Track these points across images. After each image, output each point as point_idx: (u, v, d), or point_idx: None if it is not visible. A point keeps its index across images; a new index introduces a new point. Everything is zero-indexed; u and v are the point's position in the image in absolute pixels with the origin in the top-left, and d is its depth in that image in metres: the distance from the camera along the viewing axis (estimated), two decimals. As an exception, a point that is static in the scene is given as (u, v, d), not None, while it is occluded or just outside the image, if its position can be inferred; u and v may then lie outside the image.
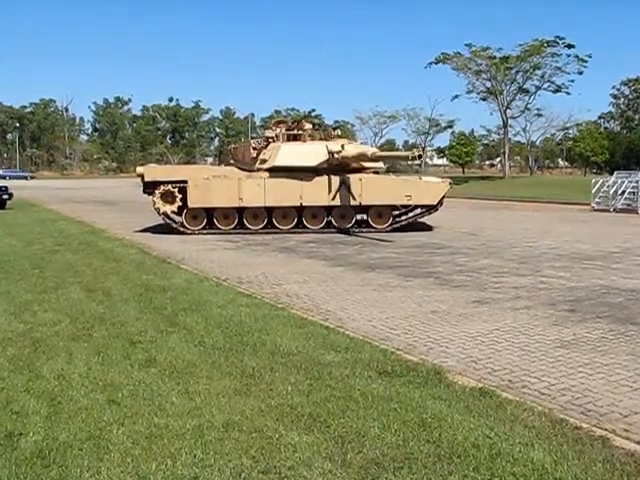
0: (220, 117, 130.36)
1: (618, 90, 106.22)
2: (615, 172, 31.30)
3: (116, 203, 34.28)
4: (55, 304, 8.73)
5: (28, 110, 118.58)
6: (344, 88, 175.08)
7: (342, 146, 18.82)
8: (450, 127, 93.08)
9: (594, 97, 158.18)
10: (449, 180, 20.77)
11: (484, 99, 68.83)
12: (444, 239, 17.24)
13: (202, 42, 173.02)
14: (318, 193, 18.83)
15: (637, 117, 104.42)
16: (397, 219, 19.77)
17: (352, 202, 18.96)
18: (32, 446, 4.39)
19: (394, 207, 19.67)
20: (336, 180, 18.83)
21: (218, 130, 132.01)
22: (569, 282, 10.69)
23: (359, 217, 19.61)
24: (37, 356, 6.39)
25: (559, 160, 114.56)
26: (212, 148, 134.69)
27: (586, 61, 62.96)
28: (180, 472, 4.04)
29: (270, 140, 20.27)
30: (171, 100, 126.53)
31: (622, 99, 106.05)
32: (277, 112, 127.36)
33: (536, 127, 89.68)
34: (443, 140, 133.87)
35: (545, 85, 66.71)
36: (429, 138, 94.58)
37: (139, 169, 20.46)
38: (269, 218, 19.20)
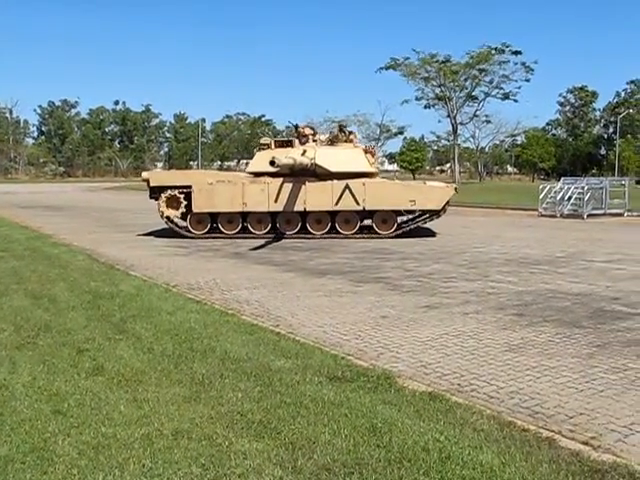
0: (170, 122, 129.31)
1: (564, 98, 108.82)
2: (562, 178, 31.93)
3: (63, 208, 33.72)
4: (-1, 312, 8.53)
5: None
6: (295, 93, 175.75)
7: (303, 152, 18.81)
8: (401, 133, 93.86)
9: (541, 104, 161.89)
10: (454, 185, 20.75)
11: (433, 105, 69.65)
12: (394, 244, 17.37)
13: (152, 45, 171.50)
14: (322, 198, 18.74)
15: (582, 124, 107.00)
16: (402, 224, 19.54)
17: (355, 207, 18.81)
18: (-28, 460, 4.26)
19: (399, 213, 19.41)
20: (340, 185, 18.71)
21: (168, 135, 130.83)
22: (517, 287, 10.86)
23: (364, 222, 19.42)
24: (-21, 366, 6.23)
25: (508, 166, 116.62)
26: (162, 153, 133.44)
27: (533, 69, 64.24)
28: (128, 482, 3.98)
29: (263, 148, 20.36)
30: (117, 103, 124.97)
31: (568, 107, 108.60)
32: (228, 117, 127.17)
33: (485, 133, 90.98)
34: (394, 146, 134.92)
35: (493, 92, 67.86)
36: (380, 144, 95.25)
37: (145, 174, 20.50)
38: (273, 223, 19.15)
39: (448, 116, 69.27)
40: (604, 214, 27.52)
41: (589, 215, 26.89)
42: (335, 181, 18.74)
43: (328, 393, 5.44)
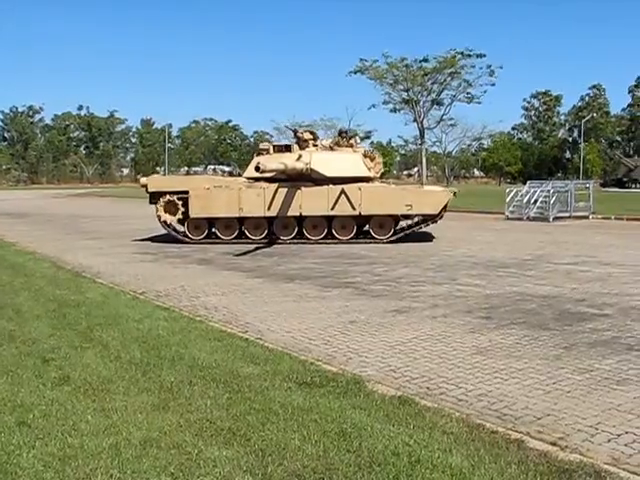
0: (136, 127, 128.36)
1: (529, 103, 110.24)
2: (528, 182, 32.26)
3: (27, 215, 33.28)
4: (-39, 322, 8.38)
5: None
6: (262, 98, 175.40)
7: (299, 157, 18.81)
8: (368, 137, 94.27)
9: (507, 109, 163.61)
10: (453, 189, 20.65)
11: (400, 110, 70.10)
12: (363, 249, 17.41)
13: (117, 51, 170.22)
14: (318, 203, 18.65)
15: (548, 128, 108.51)
16: (399, 229, 19.42)
17: (351, 212, 18.70)
18: None
19: (396, 217, 19.22)
20: (336, 190, 18.63)
21: (134, 140, 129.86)
22: (485, 290, 10.95)
23: (361, 228, 19.28)
24: (-59, 377, 6.10)
25: (474, 170, 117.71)
26: (128, 159, 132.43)
27: (497, 73, 64.98)
28: (95, 493, 3.93)
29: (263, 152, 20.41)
30: (81, 109, 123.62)
31: (533, 111, 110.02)
32: (195, 122, 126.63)
33: (452, 138, 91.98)
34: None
35: (460, 96, 68.51)
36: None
37: (143, 180, 20.47)
38: (270, 229, 19.09)
39: (415, 120, 69.76)
40: (569, 217, 27.85)
41: (555, 218, 27.18)
42: (331, 186, 18.67)
43: (297, 399, 5.43)
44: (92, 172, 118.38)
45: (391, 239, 18.92)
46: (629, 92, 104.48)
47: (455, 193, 20.06)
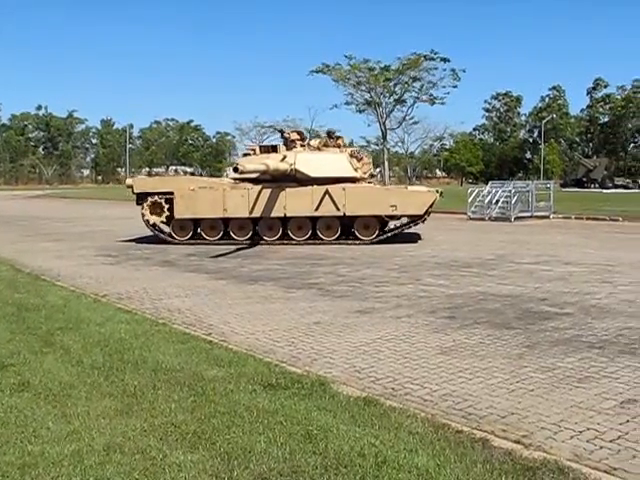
0: (96, 127, 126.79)
1: (489, 104, 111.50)
2: (490, 182, 32.57)
3: (-16, 218, 32.69)
4: None
5: None
6: (224, 99, 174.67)
7: (283, 157, 18.74)
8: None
9: (468, 109, 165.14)
10: (438, 189, 20.55)
11: (363, 110, 70.39)
12: (327, 250, 17.41)
13: (76, 50, 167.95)
14: (302, 204, 18.53)
15: (508, 129, 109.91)
16: (388, 230, 19.27)
17: (336, 213, 18.57)
18: None
19: (381, 218, 18.98)
20: (320, 191, 18.50)
21: (94, 141, 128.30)
22: (448, 290, 11.02)
23: (346, 228, 19.07)
24: None
25: (437, 170, 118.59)
26: (88, 160, 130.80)
27: (460, 76, 65.63)
28: (57, 501, 3.86)
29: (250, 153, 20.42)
30: (40, 108, 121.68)
31: (494, 112, 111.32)
32: (156, 122, 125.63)
33: (414, 138, 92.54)
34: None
35: (422, 97, 68.99)
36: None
37: (128, 181, 20.73)
38: (255, 229, 18.98)
39: (378, 121, 70.07)
40: (531, 217, 28.19)
41: (516, 218, 27.49)
42: (315, 186, 18.60)
43: (262, 401, 5.40)
44: (51, 173, 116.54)
45: (376, 240, 18.75)
46: (587, 94, 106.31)
47: (442, 193, 20.01)
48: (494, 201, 28.33)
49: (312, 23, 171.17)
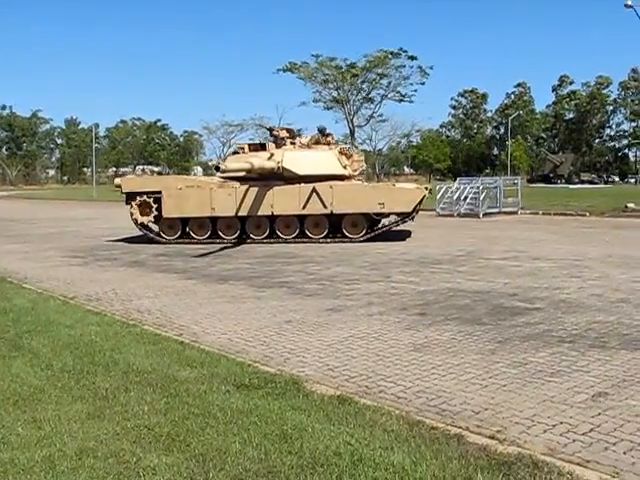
0: (61, 127, 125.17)
1: (456, 101, 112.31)
2: (458, 178, 32.78)
3: (-52, 220, 32.12)
4: None
5: None
6: (190, 97, 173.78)
7: (270, 155, 18.68)
8: (298, 136, 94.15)
9: (436, 106, 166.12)
10: (426, 186, 20.42)
11: (330, 108, 70.48)
12: (297, 248, 17.38)
13: (40, 49, 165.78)
14: (289, 202, 18.41)
15: (475, 126, 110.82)
16: (373, 228, 19.12)
17: (323, 211, 18.44)
18: None
19: (369, 216, 18.85)
20: (307, 189, 18.38)
21: (59, 141, 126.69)
22: (419, 286, 11.06)
23: (334, 227, 18.92)
24: None
25: (405, 167, 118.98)
26: (54, 160, 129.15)
27: (428, 73, 66.00)
28: (29, 507, 3.79)
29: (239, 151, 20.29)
30: (3, 108, 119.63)
31: (460, 109, 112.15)
32: (123, 122, 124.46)
33: (382, 135, 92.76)
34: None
35: (390, 94, 69.24)
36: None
37: (117, 180, 20.88)
38: (243, 228, 18.86)
39: (346, 118, 70.20)
40: (499, 212, 28.44)
41: (485, 214, 27.71)
42: (302, 184, 18.51)
43: (236, 401, 5.37)
44: (15, 174, 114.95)
45: (363, 238, 18.61)
46: (553, 90, 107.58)
47: (431, 190, 19.93)
48: (462, 197, 28.52)
49: (279, 22, 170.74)
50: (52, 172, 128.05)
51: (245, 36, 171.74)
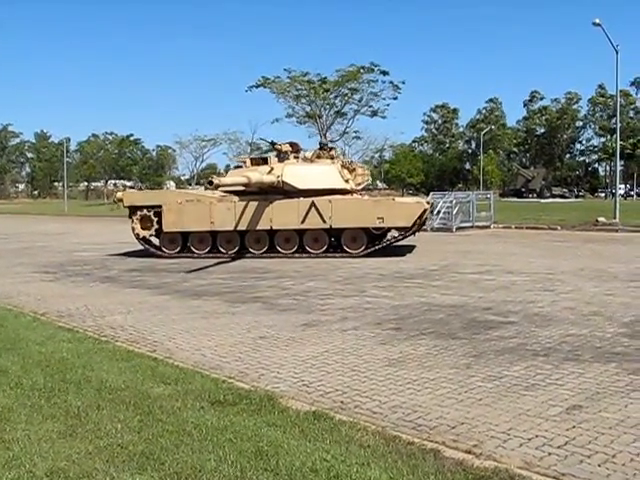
0: (32, 141, 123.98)
1: (428, 116, 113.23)
2: (431, 193, 32.97)
3: None
4: None
5: None
6: (163, 112, 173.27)
7: (270, 169, 18.61)
8: (271, 151, 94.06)
9: (408, 121, 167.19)
10: (428, 200, 20.27)
11: (304, 123, 70.61)
12: (269, 263, 17.32)
13: (10, 60, 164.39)
14: (288, 216, 18.28)
15: (447, 141, 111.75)
16: (373, 243, 18.86)
17: (322, 225, 18.28)
18: None
19: (368, 230, 18.61)
20: (306, 203, 18.25)
21: (30, 155, 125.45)
22: (393, 301, 11.06)
23: (334, 241, 18.80)
24: None
25: (377, 182, 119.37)
26: (24, 174, 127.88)
27: (400, 88, 66.43)
28: (-2, 531, 3.70)
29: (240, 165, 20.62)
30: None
31: (432, 124, 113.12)
32: (94, 136, 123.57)
33: (355, 150, 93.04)
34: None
35: (363, 109, 69.55)
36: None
37: (119, 194, 20.91)
38: (242, 242, 18.76)
39: (319, 133, 70.31)
40: (472, 227, 28.66)
41: (458, 228, 27.90)
42: (301, 199, 18.40)
43: (211, 418, 5.31)
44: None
45: (363, 253, 18.41)
46: (524, 105, 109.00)
47: (432, 205, 19.88)
48: (435, 212, 28.65)
49: (252, 37, 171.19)
50: (22, 186, 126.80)
51: (217, 51, 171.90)
